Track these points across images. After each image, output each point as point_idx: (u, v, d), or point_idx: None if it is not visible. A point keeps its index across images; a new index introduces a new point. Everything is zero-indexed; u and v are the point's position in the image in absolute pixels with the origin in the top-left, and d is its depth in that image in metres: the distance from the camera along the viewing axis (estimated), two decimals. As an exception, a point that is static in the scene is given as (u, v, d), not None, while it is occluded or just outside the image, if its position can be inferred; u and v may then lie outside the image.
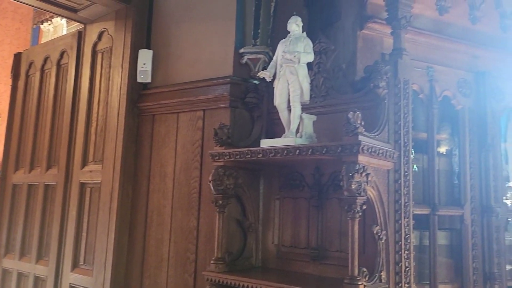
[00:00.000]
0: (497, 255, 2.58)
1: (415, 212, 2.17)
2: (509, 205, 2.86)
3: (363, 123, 1.87)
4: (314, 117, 2.24)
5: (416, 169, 2.61)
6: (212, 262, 2.29)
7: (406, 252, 2.02)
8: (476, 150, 2.69)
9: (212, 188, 2.30)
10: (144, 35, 3.11)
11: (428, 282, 2.47)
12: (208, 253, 2.54)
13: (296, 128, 2.20)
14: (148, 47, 3.09)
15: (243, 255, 2.44)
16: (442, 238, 2.57)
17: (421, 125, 2.65)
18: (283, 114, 2.26)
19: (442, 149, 2.79)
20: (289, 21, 2.32)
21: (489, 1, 2.52)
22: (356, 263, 1.78)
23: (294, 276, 2.24)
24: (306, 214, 2.36)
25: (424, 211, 2.47)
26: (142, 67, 3.00)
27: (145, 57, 3.01)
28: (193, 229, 2.65)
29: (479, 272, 2.55)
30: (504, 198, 2.80)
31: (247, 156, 2.19)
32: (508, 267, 2.71)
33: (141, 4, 3.12)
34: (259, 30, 2.69)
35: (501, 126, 2.89)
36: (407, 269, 2.01)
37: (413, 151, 2.62)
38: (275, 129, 2.47)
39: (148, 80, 3.02)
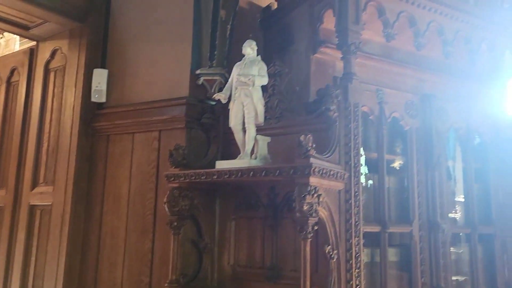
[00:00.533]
0: (443, 270, 2.69)
1: (366, 230, 2.25)
2: (457, 219, 3.01)
3: (314, 145, 1.93)
4: (268, 139, 2.28)
5: (371, 182, 2.70)
6: (166, 285, 2.27)
7: (357, 270, 2.08)
8: (423, 169, 2.81)
9: (167, 209, 2.29)
10: (99, 54, 3.08)
11: (379, 298, 2.54)
12: (163, 276, 2.50)
13: (251, 149, 2.24)
14: (103, 67, 3.06)
15: (198, 276, 2.43)
16: (392, 255, 2.66)
17: (372, 145, 2.76)
18: (238, 136, 2.30)
19: (395, 168, 2.90)
20: (244, 45, 2.37)
21: (433, 29, 2.66)
22: (308, 282, 1.82)
23: (250, 296, 2.25)
24: (261, 234, 2.39)
25: (375, 229, 2.55)
26: (97, 86, 2.96)
27: (100, 77, 2.97)
28: (148, 252, 2.61)
29: (428, 286, 2.65)
30: (452, 212, 2.94)
31: (202, 178, 2.20)
32: (454, 278, 2.83)
33: (96, 23, 3.10)
34: (215, 52, 2.73)
35: (450, 145, 3.05)
36: (357, 287, 2.06)
37: (366, 170, 2.74)
38: (232, 149, 2.49)
39: (103, 100, 2.98)
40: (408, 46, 2.68)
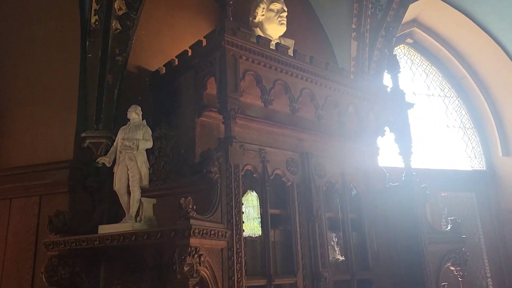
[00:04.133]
0: (326, 316, 2.86)
1: (252, 284, 2.34)
2: (339, 266, 3.23)
3: (195, 207, 2.03)
4: (153, 200, 2.33)
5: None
6: None
7: (241, 326, 2.14)
8: (305, 222, 3.03)
9: (44, 280, 2.18)
10: (-26, 116, 2.93)
11: None
12: None
13: (135, 212, 2.27)
14: (-22, 129, 2.91)
15: None
16: (278, 307, 2.77)
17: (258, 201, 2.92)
18: (123, 199, 2.32)
19: (280, 221, 3.08)
20: (129, 110, 2.45)
21: (305, 95, 2.99)
22: None
23: None
24: (148, 297, 2.36)
25: (261, 282, 2.66)
26: (-30, 150, 2.79)
27: (-26, 140, 2.81)
28: (24, 329, 2.43)
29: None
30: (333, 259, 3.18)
31: (83, 244, 2.16)
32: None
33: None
34: (102, 115, 2.75)
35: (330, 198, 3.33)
36: None
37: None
38: (119, 211, 2.47)
39: (-24, 164, 2.81)
40: (287, 108, 2.96)
